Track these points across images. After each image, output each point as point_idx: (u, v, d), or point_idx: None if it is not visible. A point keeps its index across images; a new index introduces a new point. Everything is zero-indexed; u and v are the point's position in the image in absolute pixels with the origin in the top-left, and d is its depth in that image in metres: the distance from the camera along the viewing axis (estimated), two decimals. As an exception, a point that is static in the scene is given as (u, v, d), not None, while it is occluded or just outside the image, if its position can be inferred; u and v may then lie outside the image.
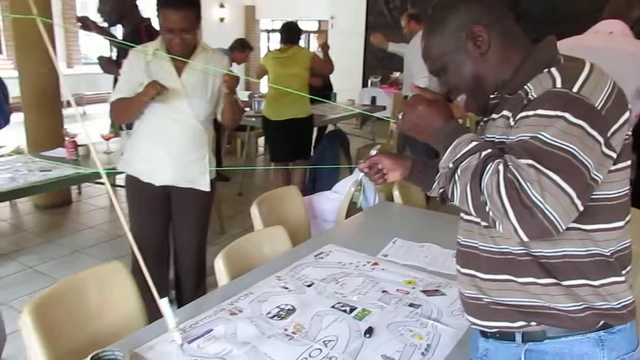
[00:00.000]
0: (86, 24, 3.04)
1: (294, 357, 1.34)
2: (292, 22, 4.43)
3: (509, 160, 0.95)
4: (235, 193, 5.11)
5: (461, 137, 1.06)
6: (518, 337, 1.12)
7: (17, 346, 2.46)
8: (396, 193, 2.67)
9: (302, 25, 11.78)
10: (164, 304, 1.37)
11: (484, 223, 1.08)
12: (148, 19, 3.06)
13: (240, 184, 5.22)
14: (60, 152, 3.42)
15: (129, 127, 2.83)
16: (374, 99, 6.78)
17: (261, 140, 6.66)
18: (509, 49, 1.13)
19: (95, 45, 12.50)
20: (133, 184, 2.39)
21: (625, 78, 2.48)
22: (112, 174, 3.59)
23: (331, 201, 2.82)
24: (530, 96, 1.02)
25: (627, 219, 1.08)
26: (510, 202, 0.92)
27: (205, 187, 2.38)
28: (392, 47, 5.23)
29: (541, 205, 0.90)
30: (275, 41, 14.02)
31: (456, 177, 1.03)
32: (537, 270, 1.06)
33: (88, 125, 3.88)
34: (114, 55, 3.23)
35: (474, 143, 1.03)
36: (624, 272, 1.07)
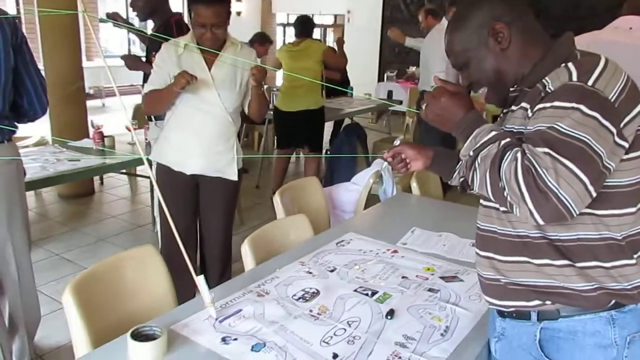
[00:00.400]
0: (116, 19, 3.14)
1: (320, 335, 1.42)
2: (306, 16, 4.51)
3: (527, 149, 1.02)
4: (253, 186, 5.20)
5: (481, 127, 1.13)
6: (533, 316, 1.18)
7: (49, 327, 2.58)
8: (414, 185, 2.73)
9: (319, 20, 11.81)
10: (200, 280, 1.46)
11: (502, 208, 1.15)
12: (178, 14, 3.15)
13: (258, 177, 5.31)
14: (86, 142, 3.52)
15: (158, 118, 2.92)
16: (390, 93, 6.83)
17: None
18: (529, 44, 1.19)
19: (113, 39, 12.72)
20: (164, 172, 2.46)
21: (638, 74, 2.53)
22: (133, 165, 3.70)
23: (350, 192, 2.89)
24: (547, 89, 1.07)
25: (639, 205, 1.13)
26: (527, 187, 0.99)
27: (233, 176, 2.46)
28: (409, 42, 5.27)
29: (556, 191, 0.97)
30: (291, 35, 14.09)
31: (476, 165, 1.09)
32: (552, 252, 1.12)
33: (110, 118, 3.98)
34: (143, 51, 3.31)
35: (494, 132, 1.10)
36: (635, 255, 1.12)
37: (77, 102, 4.53)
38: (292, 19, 14.09)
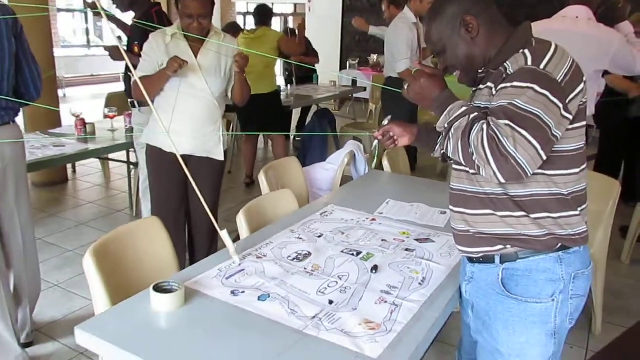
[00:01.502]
0: (94, 8, 3.23)
1: (315, 287, 1.63)
2: (265, 5, 4.71)
3: (491, 121, 1.25)
4: (225, 171, 5.36)
5: (454, 103, 1.36)
6: (497, 259, 1.42)
7: (41, 305, 2.69)
8: (385, 163, 2.97)
9: (279, 9, 11.93)
10: (224, 234, 1.67)
11: (471, 171, 1.38)
12: (158, 4, 3.27)
13: (230, 163, 5.46)
14: (65, 129, 3.62)
15: (141, 104, 3.05)
16: (354, 81, 7.05)
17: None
18: (494, 33, 1.41)
19: (73, 29, 12.49)
20: (155, 153, 2.62)
21: (587, 60, 2.84)
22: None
23: (326, 171, 3.10)
24: (508, 72, 1.31)
25: (582, 167, 1.39)
26: (491, 152, 1.22)
27: (220, 156, 2.64)
28: (373, 30, 5.48)
29: (514, 154, 1.20)
30: (251, 24, 14.13)
31: (450, 135, 1.33)
32: (512, 206, 1.36)
33: (89, 105, 4.05)
34: (124, 41, 3.40)
35: (464, 108, 1.33)
36: (579, 208, 1.39)
37: (49, 91, 4.56)
38: (252, 8, 14.10)
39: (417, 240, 2.03)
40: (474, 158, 1.25)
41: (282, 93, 5.29)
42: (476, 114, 1.30)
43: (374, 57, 8.86)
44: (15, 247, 2.29)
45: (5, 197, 2.22)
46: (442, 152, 1.67)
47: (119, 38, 3.66)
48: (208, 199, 2.70)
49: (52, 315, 2.79)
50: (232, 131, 6.17)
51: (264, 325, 1.43)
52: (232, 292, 1.59)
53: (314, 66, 6.41)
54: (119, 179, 5.17)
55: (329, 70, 8.63)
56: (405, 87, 1.47)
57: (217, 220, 2.82)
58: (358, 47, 10.13)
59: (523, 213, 1.36)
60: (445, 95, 1.41)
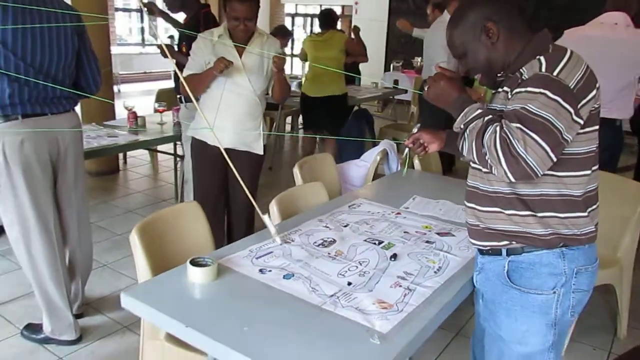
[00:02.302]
0: (151, 9, 3.48)
1: (337, 270, 1.77)
2: (329, 9, 4.89)
3: (504, 124, 1.33)
4: (266, 167, 5.56)
5: (471, 106, 1.46)
6: (504, 252, 1.52)
7: (91, 282, 2.92)
8: (416, 162, 3.08)
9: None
10: (266, 218, 1.84)
11: (484, 169, 1.48)
12: (207, 6, 3.49)
13: (271, 160, 5.66)
14: (119, 122, 3.88)
15: (187, 100, 3.26)
16: (396, 82, 7.13)
17: (289, 119, 7.09)
18: (513, 39, 1.49)
19: (129, 28, 13.05)
20: (200, 146, 2.82)
21: (629, 66, 2.87)
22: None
23: (359, 168, 3.23)
24: (523, 77, 1.40)
25: (594, 169, 1.46)
26: (502, 153, 1.31)
27: (259, 150, 2.83)
28: (417, 32, 5.56)
29: (524, 156, 1.29)
30: (298, 25, 14.38)
31: (465, 135, 1.42)
32: (519, 205, 1.45)
33: (141, 100, 4.32)
34: (176, 40, 3.64)
35: (479, 111, 1.42)
36: (589, 209, 1.46)
37: (105, 86, 4.85)
38: (300, 10, 14.30)
39: (437, 233, 2.14)
40: (486, 158, 1.35)
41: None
42: (490, 116, 1.39)
43: (417, 59, 8.90)
44: (71, 224, 2.54)
45: (65, 177, 2.46)
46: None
47: (171, 37, 3.90)
48: (248, 188, 2.90)
49: (101, 292, 3.03)
50: (276, 128, 6.40)
51: (286, 300, 1.58)
52: (260, 270, 1.74)
53: (358, 69, 6.54)
54: (166, 171, 5.45)
55: (373, 71, 8.75)
56: (426, 88, 1.57)
57: (254, 210, 3.01)
58: (403, 49, 10.18)
59: (529, 212, 1.44)
60: (462, 97, 1.49)
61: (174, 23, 3.73)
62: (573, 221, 1.44)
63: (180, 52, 3.26)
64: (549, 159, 1.30)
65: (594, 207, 1.50)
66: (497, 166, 1.33)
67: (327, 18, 4.76)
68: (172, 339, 1.87)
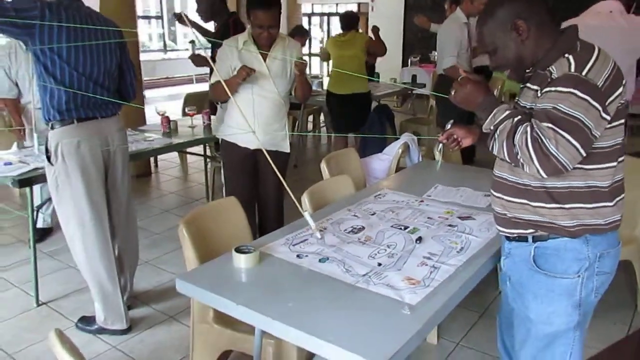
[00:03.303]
0: (183, 19, 3.69)
1: (367, 253, 1.94)
2: (350, 11, 5.15)
3: (535, 123, 1.42)
4: (291, 165, 5.75)
5: (499, 107, 1.54)
6: (530, 239, 1.62)
7: (136, 277, 3.13)
8: (437, 152, 3.22)
9: (342, 8, 12.36)
10: (306, 215, 1.99)
11: (514, 164, 1.51)
12: (235, 14, 3.69)
13: (295, 158, 5.85)
14: (152, 126, 4.10)
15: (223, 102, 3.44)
16: (414, 77, 7.25)
17: (310, 117, 7.26)
18: (542, 36, 1.53)
19: (149, 34, 13.37)
20: (230, 147, 3.01)
21: (624, 53, 2.99)
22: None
23: (382, 161, 3.39)
24: (553, 76, 1.48)
25: (620, 159, 1.55)
26: (534, 152, 1.40)
27: (287, 149, 3.01)
28: (434, 28, 5.68)
29: (556, 155, 1.38)
30: (315, 24, 14.55)
31: (496, 136, 1.52)
32: (546, 198, 1.54)
33: (171, 105, 4.52)
34: (197, 45, 3.86)
35: (508, 112, 1.52)
36: (616, 199, 1.55)
37: (137, 93, 5.10)
38: (317, 9, 14.44)
39: (459, 217, 2.29)
40: (518, 157, 1.43)
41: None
42: (520, 117, 1.46)
43: (434, 53, 8.99)
44: (119, 219, 2.78)
45: (114, 175, 2.70)
46: None
47: (192, 42, 4.11)
48: (276, 185, 3.08)
49: (145, 286, 3.24)
50: (299, 126, 6.59)
51: (323, 280, 1.75)
52: (298, 256, 1.92)
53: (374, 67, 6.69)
54: (195, 172, 5.67)
55: (391, 67, 8.86)
56: (452, 92, 1.65)
57: (282, 205, 3.19)
58: (420, 44, 10.28)
59: (557, 205, 1.53)
60: (489, 99, 1.57)
61: (204, 32, 3.94)
62: (599, 211, 1.52)
63: (214, 59, 3.46)
64: (579, 155, 1.39)
65: (621, 197, 1.58)
66: (529, 164, 1.41)
67: (349, 20, 4.99)
68: (220, 321, 2.06)
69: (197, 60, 3.62)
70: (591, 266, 1.56)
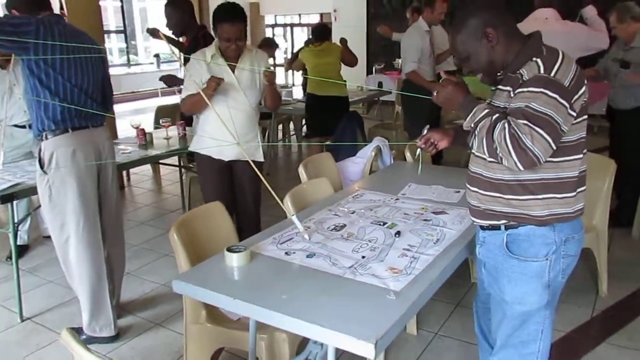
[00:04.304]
0: (156, 34, 3.76)
1: (351, 247, 2.06)
2: (324, 24, 5.59)
3: (511, 121, 1.56)
4: (263, 174, 5.85)
5: (478, 106, 1.68)
6: (502, 228, 1.76)
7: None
8: (407, 154, 3.39)
9: (305, 19, 12.63)
10: (294, 218, 2.09)
11: (489, 158, 1.66)
12: (204, 27, 3.77)
13: (268, 166, 5.95)
14: (126, 139, 4.15)
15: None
16: (380, 84, 7.45)
17: (280, 126, 7.37)
18: (511, 41, 1.67)
19: (109, 48, 13.28)
20: (205, 160, 3.05)
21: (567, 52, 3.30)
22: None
23: (356, 164, 3.53)
24: (524, 78, 1.61)
25: (585, 152, 1.70)
26: (512, 147, 1.53)
27: (260, 158, 3.10)
28: (396, 36, 5.92)
29: (531, 148, 1.51)
30: (278, 34, 14.72)
31: (476, 132, 1.65)
32: (520, 190, 1.67)
33: (139, 119, 4.57)
34: (161, 59, 3.93)
35: (487, 110, 1.65)
36: (579, 189, 1.70)
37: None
38: (280, 20, 14.59)
39: (433, 212, 2.44)
40: (497, 152, 1.55)
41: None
42: (497, 115, 1.58)
43: (398, 61, 9.23)
44: (109, 224, 2.87)
45: (105, 181, 2.81)
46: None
47: (157, 56, 4.17)
48: (254, 193, 3.17)
49: (129, 296, 3.29)
50: (269, 135, 6.69)
51: (312, 273, 1.86)
52: (286, 253, 2.03)
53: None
54: (169, 184, 5.72)
55: (356, 75, 9.05)
56: (435, 94, 1.78)
57: (260, 213, 3.28)
58: (383, 52, 10.51)
59: (531, 196, 1.65)
60: (468, 99, 1.70)
61: (179, 46, 4.01)
62: (568, 200, 1.66)
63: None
64: (550, 148, 1.52)
65: (585, 187, 1.74)
66: (507, 158, 1.53)
67: (322, 31, 5.33)
68: (212, 320, 2.15)
69: (169, 80, 3.70)
70: (558, 250, 1.71)
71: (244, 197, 3.20)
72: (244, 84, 2.93)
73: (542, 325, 1.80)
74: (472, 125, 1.65)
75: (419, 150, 2.07)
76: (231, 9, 2.84)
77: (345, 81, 5.15)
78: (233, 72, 2.92)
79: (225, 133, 2.80)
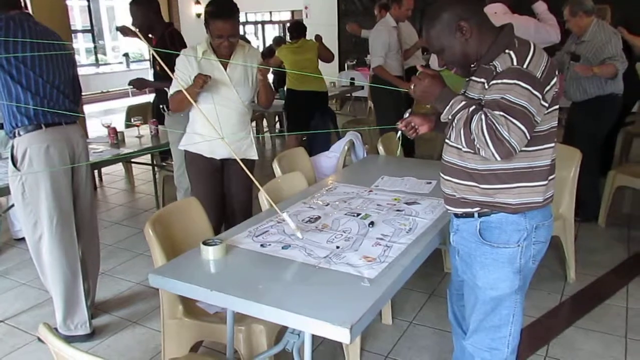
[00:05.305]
0: (125, 31, 3.73)
1: (325, 238, 2.09)
2: (299, 21, 5.66)
3: (488, 112, 1.59)
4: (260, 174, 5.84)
5: (455, 98, 1.71)
6: (476, 215, 1.80)
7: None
8: (380, 147, 3.44)
9: (276, 16, 12.68)
10: (285, 216, 2.07)
11: (464, 148, 1.68)
12: (171, 24, 3.74)
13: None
14: (98, 139, 4.11)
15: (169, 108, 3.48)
16: (352, 80, 7.51)
17: (254, 124, 7.38)
18: (483, 33, 1.70)
19: (77, 48, 13.05)
20: (196, 159, 2.98)
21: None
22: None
23: (329, 159, 3.57)
24: (497, 70, 1.62)
25: (555, 141, 1.75)
26: (489, 138, 1.56)
27: (254, 156, 3.02)
28: (365, 34, 5.98)
29: (508, 139, 1.55)
30: (249, 32, 14.67)
31: (454, 124, 1.68)
32: (493, 179, 1.71)
33: (114, 118, 4.52)
34: (130, 59, 3.91)
35: (464, 102, 1.68)
36: (550, 177, 1.75)
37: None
38: (251, 18, 14.50)
39: (406, 203, 2.49)
40: (475, 143, 1.57)
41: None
42: (474, 106, 1.61)
43: (369, 57, 9.31)
44: (83, 222, 2.85)
45: (79, 179, 2.79)
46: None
47: (126, 55, 4.14)
48: (246, 192, 3.12)
49: (104, 295, 3.27)
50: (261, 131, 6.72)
51: (288, 264, 1.89)
52: (261, 245, 2.06)
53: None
54: (142, 184, 5.67)
55: (328, 72, 9.10)
56: (412, 87, 1.80)
57: (251, 211, 3.25)
58: (355, 49, 10.58)
59: (504, 185, 1.69)
60: (445, 91, 1.72)
61: (150, 43, 3.98)
62: (538, 189, 1.70)
63: (155, 69, 3.53)
64: (525, 138, 1.56)
65: (554, 175, 1.79)
66: (484, 148, 1.56)
67: (298, 28, 5.46)
68: (189, 314, 2.17)
69: (138, 83, 3.67)
70: (529, 236, 1.76)
71: (237, 197, 3.12)
72: (236, 81, 2.86)
73: (514, 310, 1.85)
74: (450, 117, 1.68)
75: (399, 132, 2.09)
76: (223, 4, 2.73)
77: (322, 76, 5.26)
78: (225, 69, 2.84)
79: (214, 132, 2.71)
